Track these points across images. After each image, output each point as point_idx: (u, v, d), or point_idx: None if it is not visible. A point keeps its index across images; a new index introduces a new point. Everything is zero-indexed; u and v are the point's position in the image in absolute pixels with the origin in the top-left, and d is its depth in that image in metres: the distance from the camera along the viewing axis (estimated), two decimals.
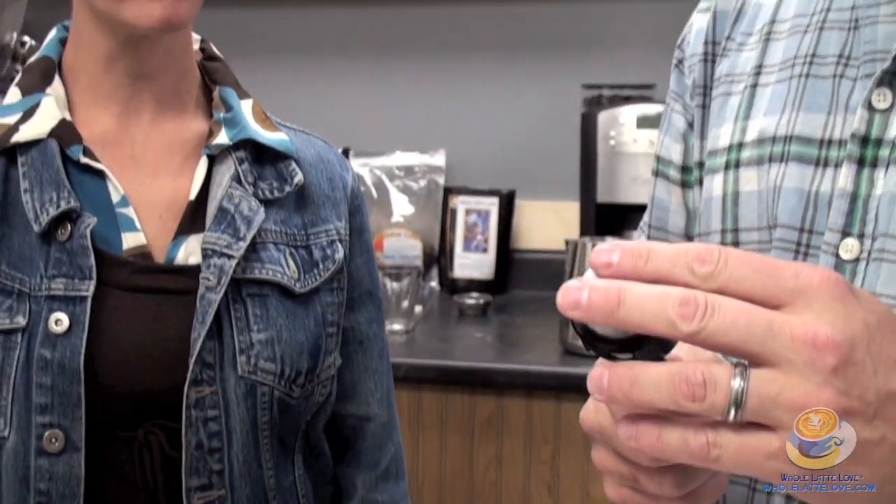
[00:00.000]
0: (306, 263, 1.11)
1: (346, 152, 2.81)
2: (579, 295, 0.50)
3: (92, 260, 1.00)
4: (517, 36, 2.83)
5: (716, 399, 0.49)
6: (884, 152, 0.73)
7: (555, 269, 2.47)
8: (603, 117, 2.53)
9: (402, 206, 2.73)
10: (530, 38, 2.83)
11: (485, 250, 2.71)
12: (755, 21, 0.89)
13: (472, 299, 2.45)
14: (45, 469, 0.96)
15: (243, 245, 1.03)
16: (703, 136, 0.92)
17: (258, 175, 1.10)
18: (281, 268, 1.08)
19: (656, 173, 0.96)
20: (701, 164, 0.90)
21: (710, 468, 0.55)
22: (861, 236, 0.74)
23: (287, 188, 1.11)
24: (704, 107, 0.93)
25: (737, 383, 0.49)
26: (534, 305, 2.53)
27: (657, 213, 0.96)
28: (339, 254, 1.14)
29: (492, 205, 2.72)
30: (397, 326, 2.17)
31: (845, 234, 0.75)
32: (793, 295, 0.50)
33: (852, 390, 0.50)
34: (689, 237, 0.94)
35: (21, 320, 0.97)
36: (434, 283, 2.68)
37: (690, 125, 0.94)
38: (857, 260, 0.74)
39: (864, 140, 0.75)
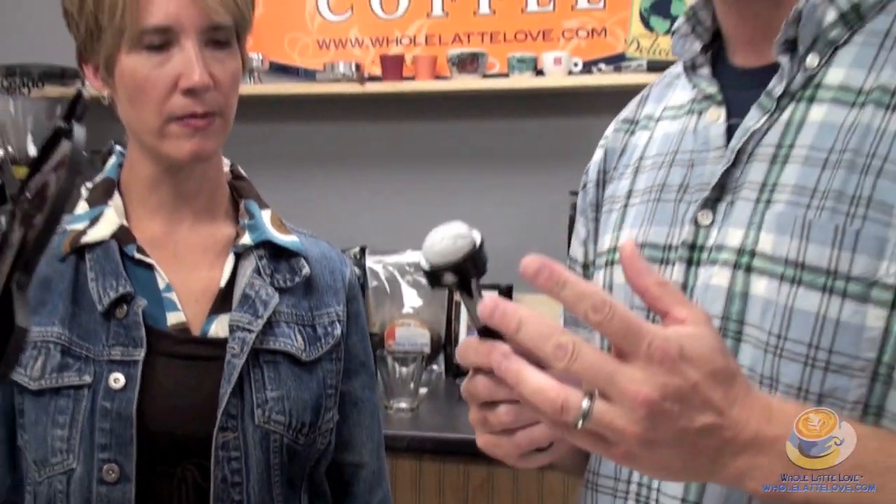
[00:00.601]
0: (311, 338, 1.33)
1: (362, 250, 3.04)
2: (496, 308, 0.73)
3: (143, 333, 1.24)
4: (513, 148, 3.06)
5: (568, 418, 0.73)
6: (704, 255, 0.97)
7: None
8: None
9: (412, 299, 2.94)
10: (524, 151, 3.06)
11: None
12: (632, 156, 1.12)
13: None
14: (103, 495, 1.21)
15: (261, 322, 1.28)
16: (595, 242, 1.15)
17: (274, 269, 1.33)
18: (291, 341, 1.30)
19: (568, 266, 1.19)
20: (594, 263, 1.14)
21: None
22: None
23: (297, 279, 1.34)
24: (597, 220, 1.15)
25: (585, 404, 0.72)
26: None
27: None
28: (338, 331, 1.35)
29: None
30: (403, 404, 2.43)
31: None
32: (641, 355, 0.73)
33: (657, 428, 0.73)
34: None
35: (88, 379, 1.23)
36: (436, 367, 2.88)
37: (589, 234, 1.17)
38: None
39: (692, 246, 0.97)
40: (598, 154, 1.17)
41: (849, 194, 0.88)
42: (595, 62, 2.91)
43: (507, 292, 2.91)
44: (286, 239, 1.36)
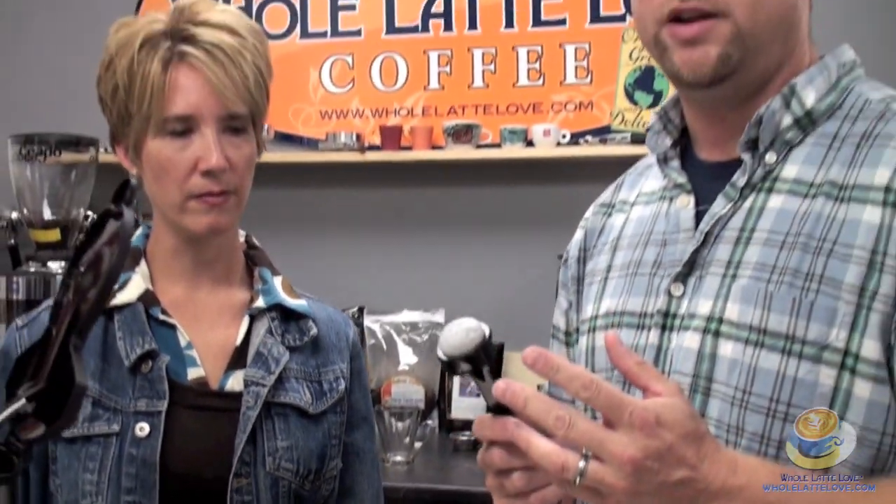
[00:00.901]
0: (318, 392, 1.43)
1: (360, 310, 3.13)
2: (507, 389, 0.87)
3: (166, 386, 1.34)
4: (504, 214, 3.16)
5: (569, 476, 0.87)
6: (676, 322, 1.10)
7: None
8: None
9: (407, 357, 3.03)
10: (515, 216, 3.15)
11: (478, 395, 2.96)
12: (609, 235, 1.24)
13: (466, 436, 2.77)
14: None
15: (273, 378, 1.37)
16: (578, 311, 1.26)
17: (285, 329, 1.43)
18: (299, 395, 1.40)
19: (552, 336, 1.32)
20: (577, 330, 1.26)
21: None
22: (663, 372, 1.09)
23: (305, 339, 1.44)
24: (579, 292, 1.27)
25: (581, 465, 0.87)
26: None
27: None
28: (342, 386, 1.46)
29: None
30: (399, 458, 2.54)
31: None
32: (624, 423, 0.87)
33: (641, 482, 0.87)
34: None
35: (116, 428, 1.32)
36: (431, 422, 2.97)
37: (571, 304, 1.29)
38: None
39: (665, 314, 1.10)
40: (579, 234, 1.30)
41: (804, 271, 1.01)
42: (582, 134, 3.03)
43: (498, 349, 2.96)
44: (296, 303, 1.46)
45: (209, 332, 1.42)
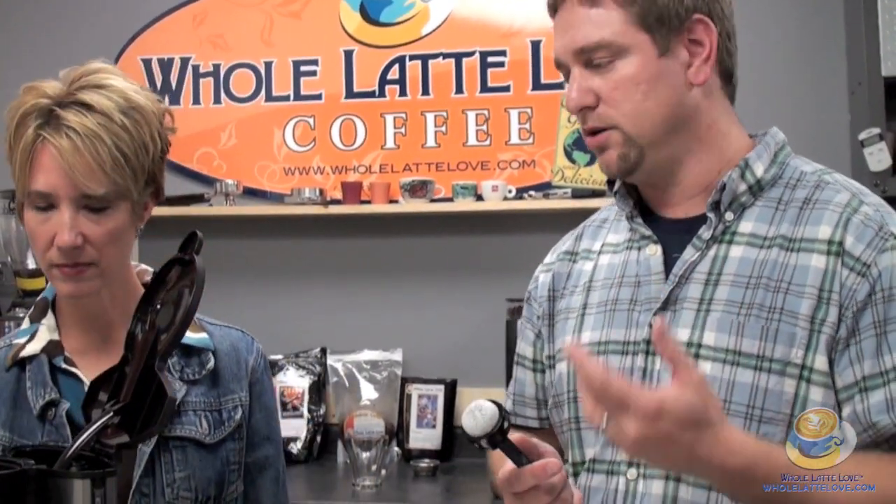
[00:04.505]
0: (217, 422, 1.45)
1: (323, 351, 3.31)
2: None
3: (68, 431, 1.37)
4: (456, 262, 3.32)
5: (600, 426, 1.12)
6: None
7: None
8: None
9: (368, 392, 3.19)
10: (466, 264, 3.32)
11: (433, 426, 3.19)
12: (579, 280, 1.43)
13: (425, 464, 2.99)
14: None
15: None
16: (552, 342, 1.44)
17: (184, 364, 1.46)
18: (195, 427, 1.43)
19: (517, 363, 1.50)
20: (551, 357, 1.44)
21: None
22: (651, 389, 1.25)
23: (203, 371, 1.47)
24: (551, 325, 1.44)
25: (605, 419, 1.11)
26: (472, 469, 3.01)
27: (518, 387, 1.50)
28: (239, 414, 1.48)
29: (439, 391, 3.20)
30: (368, 482, 2.78)
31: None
32: (630, 411, 1.06)
33: (644, 453, 1.12)
34: (536, 399, 1.48)
35: None
36: (397, 449, 3.15)
37: (538, 335, 1.46)
38: None
39: (649, 342, 1.29)
40: (547, 277, 1.49)
41: (768, 305, 1.26)
42: (526, 189, 3.21)
43: (451, 386, 3.21)
44: (196, 337, 1.48)
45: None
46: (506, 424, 1.16)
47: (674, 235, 1.36)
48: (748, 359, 1.25)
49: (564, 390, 1.41)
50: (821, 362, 1.24)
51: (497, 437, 1.16)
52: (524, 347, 1.51)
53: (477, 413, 1.16)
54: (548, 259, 1.52)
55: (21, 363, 1.44)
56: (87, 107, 1.36)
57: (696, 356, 1.27)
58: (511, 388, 1.53)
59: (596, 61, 1.31)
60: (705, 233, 1.33)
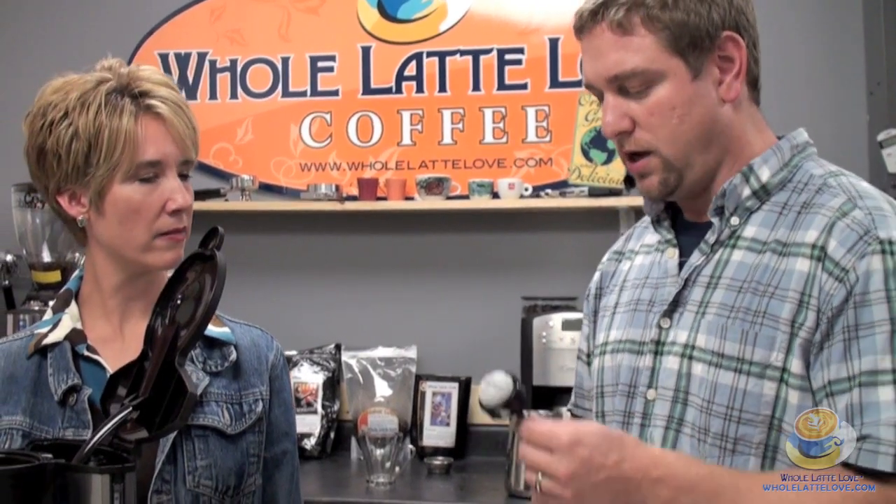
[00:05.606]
0: (238, 414, 1.48)
1: (338, 347, 3.33)
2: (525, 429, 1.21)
3: (89, 416, 1.39)
4: (472, 258, 3.34)
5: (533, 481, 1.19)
6: (664, 348, 1.35)
7: (501, 439, 3.02)
8: (537, 322, 3.04)
9: (382, 389, 3.20)
10: (482, 261, 3.34)
11: (447, 424, 3.21)
12: (619, 278, 1.49)
13: (438, 461, 3.01)
14: None
15: None
16: (594, 339, 1.51)
17: (207, 356, 1.48)
18: (218, 417, 1.45)
19: (578, 358, 1.58)
20: (592, 353, 1.51)
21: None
22: (655, 388, 1.35)
23: (226, 364, 1.49)
24: (595, 322, 1.52)
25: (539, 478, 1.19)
26: (486, 466, 3.04)
27: (577, 380, 1.58)
28: (260, 408, 1.50)
29: (453, 388, 3.22)
30: (382, 479, 2.79)
31: (649, 387, 1.38)
32: (555, 449, 1.17)
33: (577, 488, 1.17)
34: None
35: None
36: (411, 447, 3.17)
37: (590, 332, 1.53)
38: (654, 400, 1.37)
39: (656, 342, 1.36)
40: (597, 276, 1.57)
41: (752, 309, 1.29)
42: (542, 187, 3.23)
43: (465, 383, 3.22)
44: (218, 331, 1.51)
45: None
46: (522, 390, 1.26)
47: (692, 239, 1.39)
48: (730, 361, 1.29)
49: (594, 385, 1.48)
50: (797, 366, 1.26)
51: (514, 403, 1.25)
52: (581, 342, 1.59)
53: (491, 382, 1.26)
54: (604, 257, 1.59)
55: (42, 351, 1.46)
56: (161, 83, 1.45)
57: (690, 358, 1.32)
58: (575, 379, 1.62)
59: (630, 89, 1.32)
60: (710, 237, 1.36)
